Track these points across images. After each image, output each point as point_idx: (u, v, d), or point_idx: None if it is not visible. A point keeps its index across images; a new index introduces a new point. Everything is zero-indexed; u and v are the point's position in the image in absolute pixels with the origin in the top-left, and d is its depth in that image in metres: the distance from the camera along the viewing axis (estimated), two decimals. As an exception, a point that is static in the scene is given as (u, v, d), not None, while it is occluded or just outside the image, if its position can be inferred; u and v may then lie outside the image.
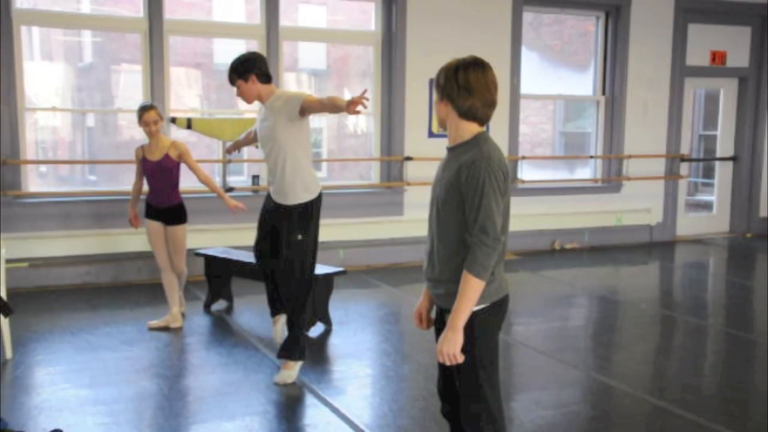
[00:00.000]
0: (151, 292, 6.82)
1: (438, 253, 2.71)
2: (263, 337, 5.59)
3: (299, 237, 4.52)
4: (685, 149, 10.12)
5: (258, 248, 4.84)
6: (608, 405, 4.48)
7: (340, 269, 5.95)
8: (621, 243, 9.65)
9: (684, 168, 10.14)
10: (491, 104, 2.67)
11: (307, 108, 4.36)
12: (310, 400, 4.42)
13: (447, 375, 2.85)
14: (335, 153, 12.20)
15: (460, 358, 2.60)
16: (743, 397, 4.61)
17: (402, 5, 8.21)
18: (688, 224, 10.36)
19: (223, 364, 5.04)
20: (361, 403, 4.48)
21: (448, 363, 2.62)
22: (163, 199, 5.63)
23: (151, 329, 5.68)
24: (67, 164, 10.90)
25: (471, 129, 2.66)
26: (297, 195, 4.53)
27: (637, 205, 9.75)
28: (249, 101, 4.58)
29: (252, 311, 6.31)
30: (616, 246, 9.56)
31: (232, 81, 4.50)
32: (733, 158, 10.49)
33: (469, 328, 2.61)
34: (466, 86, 2.60)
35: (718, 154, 10.58)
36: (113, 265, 7.26)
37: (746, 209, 10.50)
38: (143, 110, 5.52)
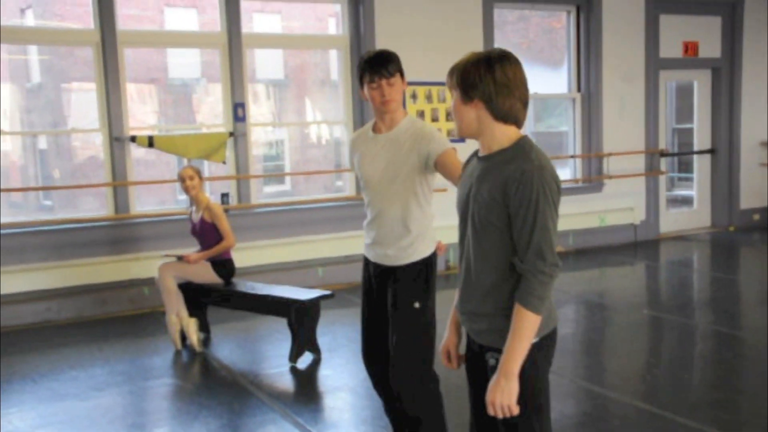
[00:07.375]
0: (121, 327, 6.33)
1: (478, 282, 2.28)
2: (247, 372, 5.12)
3: (416, 305, 3.32)
4: (662, 144, 9.88)
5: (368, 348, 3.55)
6: (594, 410, 4.13)
7: (328, 293, 5.49)
8: (606, 244, 9.37)
9: (663, 163, 9.91)
10: (527, 104, 2.29)
11: (441, 165, 3.14)
12: (307, 444, 3.98)
13: (484, 422, 2.43)
14: (300, 165, 11.71)
15: (516, 410, 2.17)
16: (733, 398, 4.43)
17: (369, 6, 7.79)
18: (670, 221, 10.13)
19: (207, 407, 4.54)
20: (365, 443, 4.06)
21: (501, 416, 2.19)
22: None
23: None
24: (19, 192, 10.24)
25: (510, 134, 2.25)
26: (415, 250, 3.31)
27: (620, 204, 9.48)
28: (391, 108, 3.18)
29: (231, 343, 5.84)
30: (601, 247, 9.27)
31: (388, 73, 3.13)
32: (711, 151, 10.29)
33: (521, 369, 2.19)
34: (505, 83, 2.19)
35: (696, 148, 10.36)
36: (76, 299, 6.69)
37: (727, 202, 10.29)
38: (180, 170, 5.79)
